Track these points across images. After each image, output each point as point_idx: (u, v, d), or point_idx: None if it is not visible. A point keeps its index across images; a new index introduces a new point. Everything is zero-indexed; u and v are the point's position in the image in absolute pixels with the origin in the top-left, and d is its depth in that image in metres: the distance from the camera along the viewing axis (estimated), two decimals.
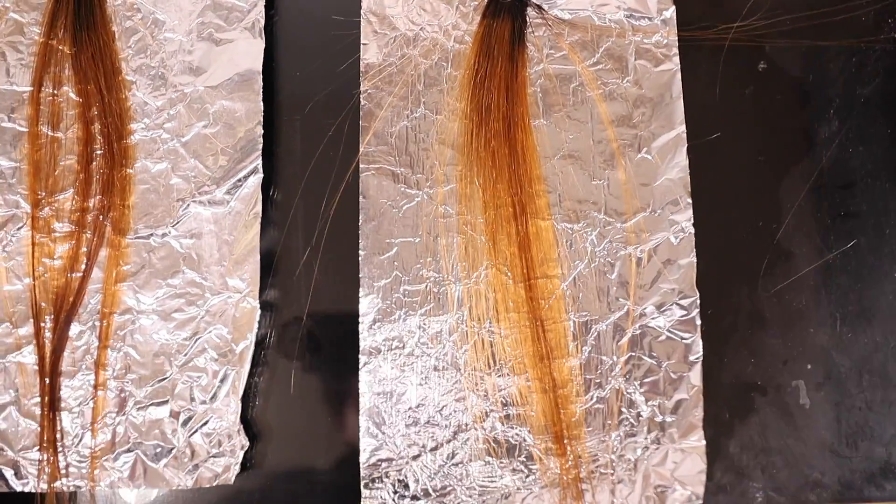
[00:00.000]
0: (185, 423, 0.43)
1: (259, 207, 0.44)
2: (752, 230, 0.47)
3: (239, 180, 0.45)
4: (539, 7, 0.47)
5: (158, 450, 0.43)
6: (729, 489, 0.44)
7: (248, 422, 0.44)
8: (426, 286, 0.44)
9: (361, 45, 0.46)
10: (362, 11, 0.46)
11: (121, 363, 0.43)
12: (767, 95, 0.48)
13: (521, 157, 0.45)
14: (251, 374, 0.43)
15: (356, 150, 0.45)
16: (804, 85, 0.48)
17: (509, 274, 0.44)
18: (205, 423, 0.43)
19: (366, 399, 0.43)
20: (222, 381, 0.43)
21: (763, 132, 0.48)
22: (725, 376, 0.45)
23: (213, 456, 0.43)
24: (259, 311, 0.43)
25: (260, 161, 0.45)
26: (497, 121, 0.45)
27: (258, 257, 0.44)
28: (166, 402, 0.43)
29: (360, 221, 0.44)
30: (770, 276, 0.46)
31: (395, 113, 0.45)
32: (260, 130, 0.45)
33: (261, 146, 0.45)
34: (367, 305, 0.43)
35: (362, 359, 0.43)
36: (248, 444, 0.43)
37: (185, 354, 0.43)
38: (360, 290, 0.44)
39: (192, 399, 0.43)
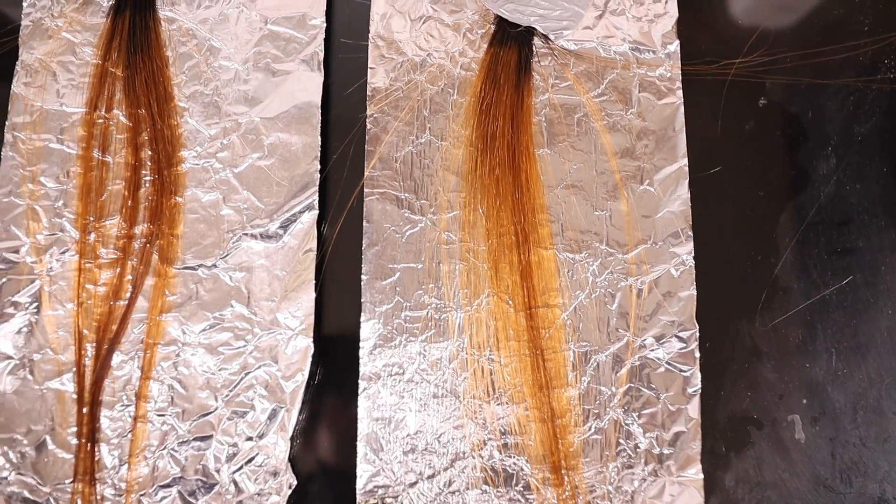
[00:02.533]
0: (229, 459, 0.42)
1: (314, 243, 0.44)
2: (751, 264, 0.47)
3: (294, 215, 0.44)
4: (546, 37, 0.47)
5: (200, 486, 0.42)
6: None
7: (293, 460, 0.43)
8: (427, 312, 0.44)
9: (368, 70, 0.46)
10: (370, 36, 0.46)
11: (164, 396, 0.42)
12: (767, 131, 0.49)
13: (524, 185, 0.45)
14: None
15: (361, 173, 0.45)
16: (803, 121, 0.49)
17: (510, 302, 0.44)
18: (250, 460, 0.42)
19: (364, 424, 0.42)
20: (270, 418, 0.42)
21: (763, 167, 0.48)
22: (722, 409, 0.45)
23: (258, 494, 0.42)
24: (312, 349, 0.43)
25: (316, 197, 0.44)
26: (501, 149, 0.45)
27: (312, 295, 0.43)
28: (210, 436, 0.42)
29: (364, 246, 0.44)
30: (768, 309, 0.46)
31: (400, 138, 0.45)
32: (317, 165, 0.44)
33: (318, 181, 0.44)
34: (369, 331, 0.43)
35: (362, 384, 0.43)
36: (295, 482, 0.42)
37: (232, 389, 0.42)
38: (362, 314, 0.43)
39: (238, 435, 0.42)
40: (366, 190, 0.45)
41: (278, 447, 0.42)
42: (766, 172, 0.48)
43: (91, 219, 0.44)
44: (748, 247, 0.47)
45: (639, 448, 0.43)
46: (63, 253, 0.44)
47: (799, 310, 0.47)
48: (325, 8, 0.46)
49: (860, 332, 0.47)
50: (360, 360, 0.43)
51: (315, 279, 0.44)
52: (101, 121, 0.45)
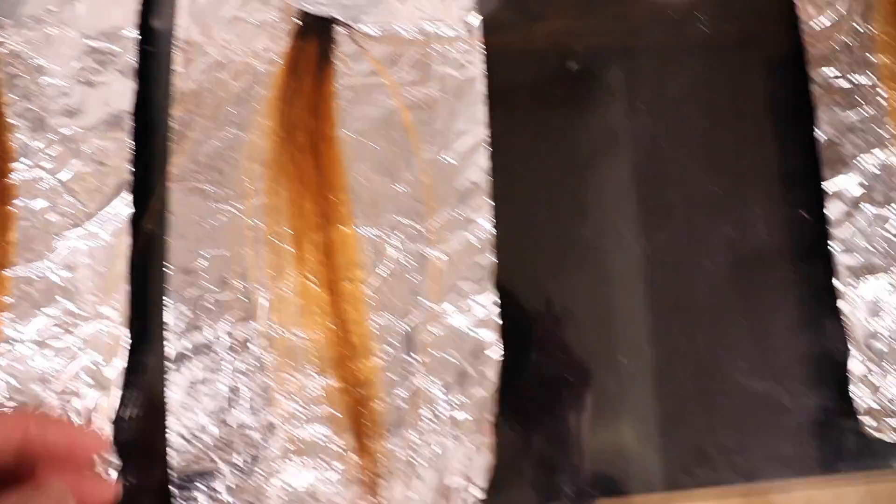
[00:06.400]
0: None
1: (129, 240, 0.47)
2: (558, 227, 0.47)
3: (111, 215, 0.47)
4: (347, 25, 0.49)
5: None
6: (534, 484, 0.45)
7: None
8: (235, 295, 0.46)
9: (175, 73, 0.49)
10: (176, 41, 0.49)
11: (1, 391, 0.46)
12: (579, 96, 0.49)
13: (325, 168, 0.47)
14: None
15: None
16: (615, 84, 0.49)
17: (315, 280, 0.46)
18: None
19: (175, 404, 0.45)
20: (95, 406, 0.45)
21: (574, 131, 0.49)
22: (531, 372, 0.46)
23: None
24: (129, 338, 0.46)
25: (131, 197, 0.47)
26: (303, 135, 0.47)
27: (128, 287, 0.46)
28: None
29: (171, 238, 0.47)
30: (577, 272, 0.47)
31: (206, 135, 0.48)
32: (129, 167, 0.48)
33: (131, 183, 0.47)
34: (176, 316, 0.46)
35: (170, 366, 0.45)
36: (121, 464, 0.45)
37: (61, 380, 0.46)
38: (168, 301, 0.46)
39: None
40: (173, 185, 0.47)
41: (103, 432, 0.45)
42: (577, 136, 0.49)
43: None
44: (554, 210, 0.48)
45: (440, 414, 0.44)
46: None
47: (612, 268, 0.47)
48: (137, 20, 0.49)
49: (681, 290, 0.47)
50: (168, 344, 0.45)
51: (134, 273, 0.47)
52: None
